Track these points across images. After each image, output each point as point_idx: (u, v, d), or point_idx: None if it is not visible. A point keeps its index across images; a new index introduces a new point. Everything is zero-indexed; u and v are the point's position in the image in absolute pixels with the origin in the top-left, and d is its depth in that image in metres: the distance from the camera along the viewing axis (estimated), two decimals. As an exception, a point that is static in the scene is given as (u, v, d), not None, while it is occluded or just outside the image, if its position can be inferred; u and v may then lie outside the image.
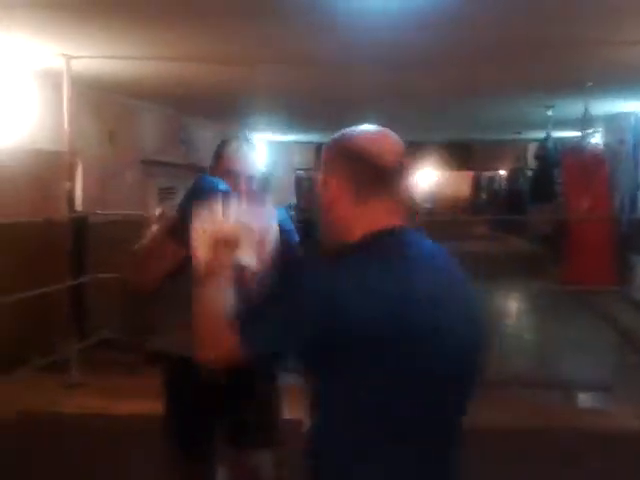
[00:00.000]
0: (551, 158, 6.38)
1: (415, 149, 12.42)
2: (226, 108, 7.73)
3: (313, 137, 12.22)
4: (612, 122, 8.30)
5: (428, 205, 17.36)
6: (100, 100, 6.02)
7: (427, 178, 17.52)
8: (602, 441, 3.60)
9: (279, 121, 9.68)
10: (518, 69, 5.25)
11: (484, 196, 17.01)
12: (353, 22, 3.61)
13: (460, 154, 12.65)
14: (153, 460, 2.65)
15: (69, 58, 4.31)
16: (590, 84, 5.43)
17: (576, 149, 6.56)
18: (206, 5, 3.29)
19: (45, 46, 4.10)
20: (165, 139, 7.33)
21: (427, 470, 1.16)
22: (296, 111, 8.39)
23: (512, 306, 8.32)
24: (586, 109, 5.74)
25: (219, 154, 2.08)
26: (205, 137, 8.65)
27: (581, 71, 5.23)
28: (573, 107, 6.53)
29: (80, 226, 4.55)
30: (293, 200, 12.86)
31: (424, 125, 9.84)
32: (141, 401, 4.23)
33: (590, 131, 5.74)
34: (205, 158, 9.25)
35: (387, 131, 1.27)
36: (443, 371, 1.14)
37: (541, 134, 7.85)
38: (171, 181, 7.30)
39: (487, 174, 15.93)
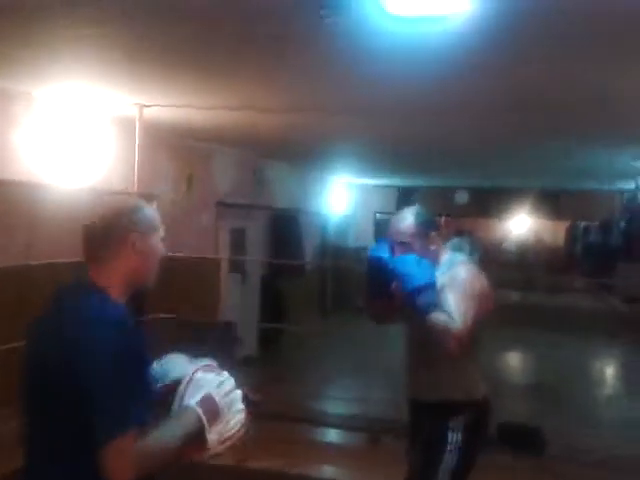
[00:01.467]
0: (640, 211, 5.95)
1: (506, 195, 12.09)
2: (302, 151, 7.85)
3: (394, 181, 12.15)
4: None
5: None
6: (178, 145, 6.28)
7: (521, 225, 17.00)
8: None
9: (358, 165, 9.72)
10: (603, 118, 5.00)
11: (579, 248, 16.14)
12: (423, 69, 3.58)
13: (550, 202, 12.18)
14: None
15: (142, 107, 4.54)
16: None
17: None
18: (268, 57, 3.37)
19: (122, 95, 4.34)
20: (240, 182, 7.51)
21: None
22: (375, 156, 8.40)
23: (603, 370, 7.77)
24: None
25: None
26: (281, 179, 8.81)
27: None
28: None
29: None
30: (372, 243, 12.77)
31: (511, 171, 9.58)
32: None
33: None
34: (280, 200, 9.49)
35: None
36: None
37: (631, 184, 7.41)
38: (243, 222, 7.46)
39: (582, 224, 15.16)
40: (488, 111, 4.83)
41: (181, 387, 1.51)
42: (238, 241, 7.26)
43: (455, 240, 13.32)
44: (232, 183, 7.28)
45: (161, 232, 1.62)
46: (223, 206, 6.99)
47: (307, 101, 4.58)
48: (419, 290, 2.35)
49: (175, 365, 1.64)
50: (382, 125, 5.71)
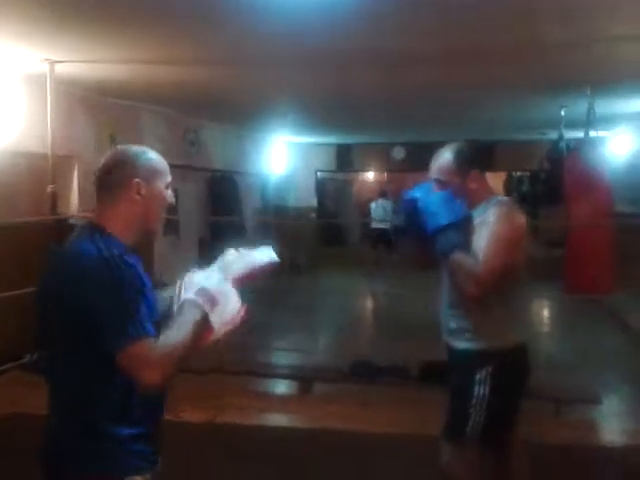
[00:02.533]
0: (563, 160, 6.13)
1: (435, 150, 12.21)
2: (237, 111, 7.74)
3: (333, 139, 12.13)
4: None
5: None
6: (100, 104, 6.09)
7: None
8: (582, 454, 3.49)
9: (297, 123, 9.64)
10: (532, 68, 5.09)
11: (514, 198, 16.65)
12: (356, 24, 3.56)
13: (486, 155, 12.41)
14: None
15: (52, 63, 4.36)
16: (589, 89, 5.22)
17: (577, 150, 6.31)
18: (180, 9, 3.28)
19: (30, 51, 4.16)
20: (171, 142, 7.37)
21: None
22: (314, 113, 8.34)
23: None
24: (589, 109, 5.50)
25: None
26: (217, 139, 8.70)
27: (589, 70, 5.04)
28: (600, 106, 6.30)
29: (63, 228, 4.59)
30: (313, 202, 12.80)
31: (444, 124, 9.68)
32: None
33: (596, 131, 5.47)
34: (216, 160, 9.36)
35: None
36: None
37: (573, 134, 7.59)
38: (175, 183, 7.34)
39: (516, 175, 15.54)
40: (418, 63, 4.84)
41: (175, 293, 1.59)
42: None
43: (379, 200, 13.48)
44: (162, 143, 7.12)
45: (167, 179, 1.64)
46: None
47: (227, 54, 4.47)
48: (442, 230, 2.23)
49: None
50: (313, 80, 5.66)
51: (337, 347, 6.07)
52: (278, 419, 4.42)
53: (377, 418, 4.17)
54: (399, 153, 12.29)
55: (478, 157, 2.45)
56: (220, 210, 8.26)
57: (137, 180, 1.57)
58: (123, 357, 1.42)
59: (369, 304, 9.97)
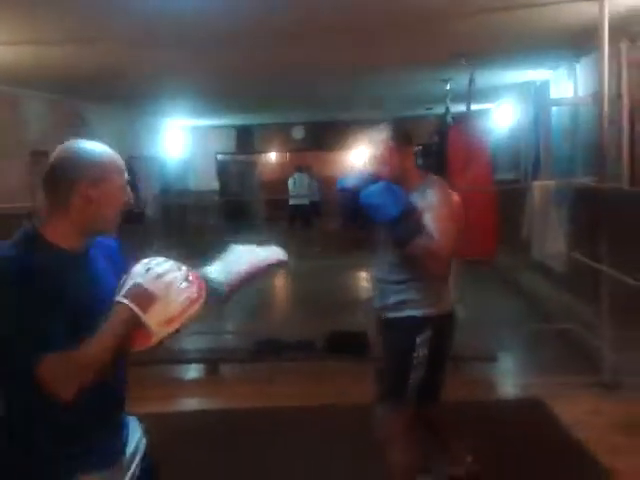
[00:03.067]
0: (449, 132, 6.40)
1: (343, 128, 12.38)
2: (127, 93, 7.46)
3: (231, 120, 11.99)
4: (519, 91, 8.45)
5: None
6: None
7: (360, 156, 17.64)
8: (478, 410, 3.70)
9: (192, 105, 9.44)
10: (412, 42, 5.22)
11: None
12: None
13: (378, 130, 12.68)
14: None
15: None
16: (464, 61, 5.44)
17: (459, 123, 6.62)
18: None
19: None
20: (57, 128, 7.00)
21: None
22: (208, 95, 8.19)
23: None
24: (471, 81, 5.76)
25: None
26: (107, 123, 8.35)
27: (467, 42, 5.23)
28: (479, 79, 6.58)
29: None
30: (215, 185, 12.63)
31: (337, 103, 9.80)
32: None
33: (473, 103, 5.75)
34: (108, 145, 9.06)
35: None
36: None
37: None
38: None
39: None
40: (302, 39, 4.86)
41: (120, 283, 1.47)
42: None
43: (296, 175, 13.49)
44: (47, 130, 6.77)
45: (121, 176, 1.50)
46: (39, 155, 6.50)
47: (111, 32, 4.30)
48: (396, 220, 2.30)
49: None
50: (203, 61, 5.56)
51: (247, 328, 6.06)
52: (186, 403, 4.38)
53: (281, 393, 4.22)
54: (298, 132, 12.35)
55: (410, 136, 2.56)
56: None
57: (85, 183, 1.44)
58: (36, 375, 1.34)
59: (280, 282, 10.03)
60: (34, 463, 1.45)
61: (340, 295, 7.45)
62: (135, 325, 1.41)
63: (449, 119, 6.85)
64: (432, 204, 2.37)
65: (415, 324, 2.46)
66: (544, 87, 7.46)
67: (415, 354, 2.44)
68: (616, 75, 4.84)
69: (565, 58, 6.23)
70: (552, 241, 4.75)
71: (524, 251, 5.29)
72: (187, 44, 4.79)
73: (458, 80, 6.70)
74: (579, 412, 3.65)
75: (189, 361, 4.95)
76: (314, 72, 6.73)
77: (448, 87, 7.02)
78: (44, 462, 1.45)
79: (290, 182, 11.60)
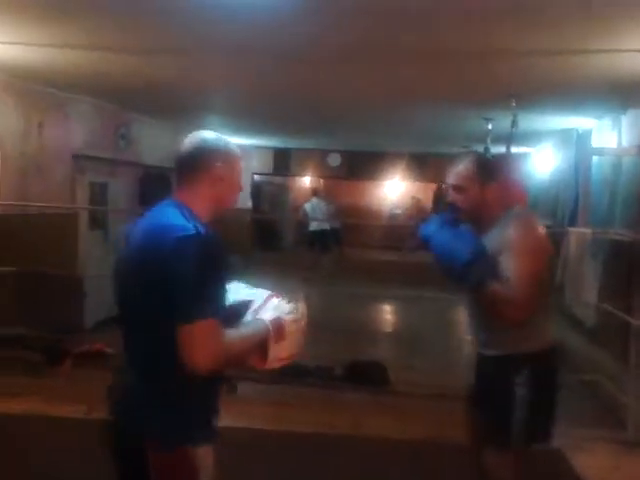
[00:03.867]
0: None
1: (381, 159, 12.45)
2: (173, 107, 7.62)
3: (270, 142, 12.13)
4: (561, 138, 8.40)
5: (398, 211, 17.62)
6: (25, 91, 5.86)
7: (396, 187, 17.74)
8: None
9: (235, 124, 9.59)
10: (457, 79, 5.24)
11: (442, 207, 17.26)
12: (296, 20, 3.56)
13: (418, 166, 12.74)
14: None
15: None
16: (514, 102, 5.44)
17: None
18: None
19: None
20: (101, 134, 7.18)
21: None
22: (252, 114, 8.32)
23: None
24: (513, 122, 5.75)
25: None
26: (151, 135, 8.52)
27: (514, 83, 5.24)
28: (522, 121, 6.57)
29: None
30: (249, 203, 12.74)
31: (379, 135, 9.87)
32: (34, 400, 4.15)
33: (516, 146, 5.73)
34: (148, 156, 9.07)
35: None
36: None
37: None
38: (105, 177, 7.15)
39: (444, 186, 16.11)
40: (350, 66, 4.91)
41: (255, 305, 1.68)
42: (99, 197, 6.96)
43: (313, 200, 13.42)
44: (92, 135, 6.93)
45: (241, 164, 1.76)
46: (81, 159, 6.67)
47: (157, 42, 4.39)
48: (465, 266, 2.19)
49: (238, 290, 1.78)
50: (250, 78, 5.65)
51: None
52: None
53: (296, 418, 4.18)
54: (335, 160, 12.42)
55: (497, 169, 2.47)
56: (151, 205, 8.08)
57: (219, 164, 1.67)
58: (185, 331, 1.46)
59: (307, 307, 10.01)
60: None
61: (359, 320, 7.41)
62: (261, 348, 1.62)
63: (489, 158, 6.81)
64: (510, 242, 2.23)
65: (510, 363, 2.34)
66: (586, 135, 7.40)
67: (516, 394, 2.32)
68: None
69: (611, 108, 6.19)
70: (585, 291, 4.66)
71: (556, 298, 5.20)
72: (238, 61, 4.88)
73: (499, 121, 6.70)
74: (599, 467, 3.56)
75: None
76: (357, 102, 6.80)
77: (490, 127, 7.00)
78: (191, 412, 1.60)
79: (308, 206, 11.52)
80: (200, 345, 1.46)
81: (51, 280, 5.31)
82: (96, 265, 6.69)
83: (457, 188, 2.36)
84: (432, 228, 2.40)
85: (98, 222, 6.94)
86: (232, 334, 1.55)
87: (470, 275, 2.21)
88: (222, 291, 1.57)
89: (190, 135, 1.74)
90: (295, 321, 1.68)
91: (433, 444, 3.71)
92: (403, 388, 4.51)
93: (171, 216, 1.59)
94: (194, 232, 1.52)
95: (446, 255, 2.27)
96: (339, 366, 4.71)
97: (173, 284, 1.48)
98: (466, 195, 2.34)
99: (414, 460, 3.56)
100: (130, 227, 1.72)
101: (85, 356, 5.06)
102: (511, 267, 2.18)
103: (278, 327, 1.63)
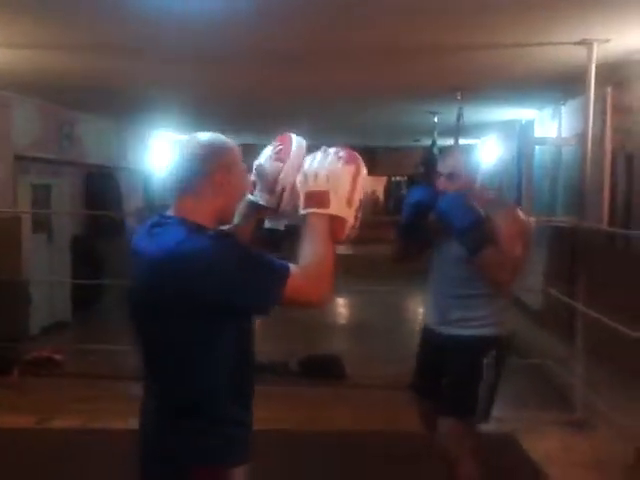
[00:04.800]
0: (435, 164, 6.49)
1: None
2: (115, 103, 7.44)
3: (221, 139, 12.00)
4: (504, 128, 8.61)
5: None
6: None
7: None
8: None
9: (184, 120, 9.44)
10: (404, 74, 5.31)
11: (392, 201, 17.65)
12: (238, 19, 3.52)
13: (368, 159, 12.83)
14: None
15: None
16: (459, 96, 5.55)
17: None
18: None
19: None
20: (44, 134, 6.96)
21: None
22: (199, 110, 8.20)
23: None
24: (459, 115, 5.87)
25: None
26: (96, 133, 8.32)
27: (458, 77, 5.34)
28: (467, 114, 6.70)
29: None
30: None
31: (330, 128, 9.90)
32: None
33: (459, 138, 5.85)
34: (94, 155, 8.87)
35: None
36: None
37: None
38: (48, 178, 6.94)
39: (395, 180, 16.31)
40: (298, 63, 4.91)
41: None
42: (42, 199, 6.75)
43: None
44: (34, 136, 6.72)
45: (243, 164, 1.61)
46: (23, 160, 6.45)
47: (97, 39, 4.29)
48: (469, 229, 2.37)
49: None
50: (194, 75, 5.57)
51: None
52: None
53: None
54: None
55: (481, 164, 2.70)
56: (98, 207, 7.90)
57: (218, 169, 1.53)
58: (285, 300, 1.46)
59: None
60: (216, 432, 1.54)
61: (318, 318, 7.43)
62: (330, 221, 1.54)
63: (436, 151, 6.95)
64: (499, 220, 2.45)
65: (480, 344, 2.52)
66: (529, 126, 7.61)
67: (484, 375, 2.51)
68: (600, 118, 4.96)
69: (552, 99, 6.38)
70: (529, 277, 4.80)
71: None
72: (184, 57, 4.81)
73: (446, 114, 6.83)
74: (549, 448, 3.67)
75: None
76: (308, 99, 6.81)
77: (436, 120, 7.13)
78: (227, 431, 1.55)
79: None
80: (307, 293, 1.49)
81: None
82: (40, 269, 6.51)
83: (450, 176, 2.54)
84: (422, 196, 2.61)
85: (42, 225, 6.74)
86: (305, 255, 1.51)
87: (473, 236, 2.39)
88: (268, 256, 1.53)
89: (183, 140, 1.59)
90: (316, 176, 1.56)
91: (391, 434, 3.77)
92: (359, 380, 4.56)
93: (187, 238, 1.46)
94: (212, 246, 1.45)
95: (451, 216, 2.42)
96: (294, 361, 4.72)
97: (231, 292, 1.44)
98: (458, 183, 2.52)
99: (372, 451, 3.61)
100: (136, 244, 1.59)
101: (33, 364, 4.92)
102: (502, 238, 2.40)
103: (311, 199, 1.55)
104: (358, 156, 1.63)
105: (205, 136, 1.57)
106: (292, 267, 1.48)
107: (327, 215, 1.53)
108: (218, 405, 1.53)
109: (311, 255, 1.51)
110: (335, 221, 1.54)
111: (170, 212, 1.56)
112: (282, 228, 1.89)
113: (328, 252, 1.52)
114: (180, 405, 1.52)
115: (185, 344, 1.49)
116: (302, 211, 1.56)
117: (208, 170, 1.52)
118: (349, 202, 1.55)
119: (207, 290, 1.43)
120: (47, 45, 4.38)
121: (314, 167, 1.58)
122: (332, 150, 1.61)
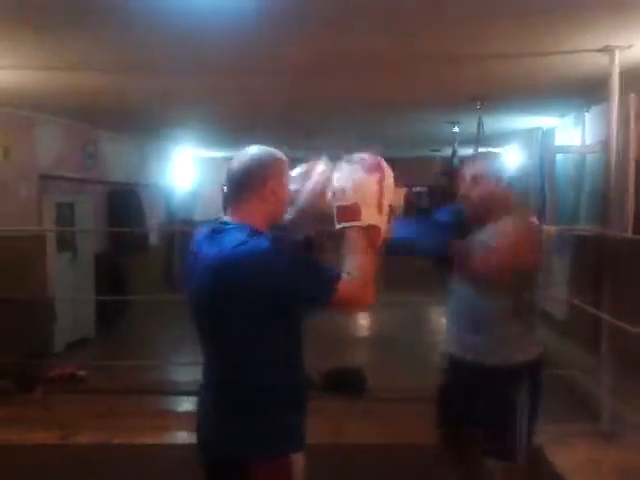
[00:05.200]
0: (457, 174, 6.45)
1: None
2: (141, 122, 7.56)
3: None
4: (526, 137, 8.54)
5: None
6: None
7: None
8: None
9: (204, 137, 9.55)
10: (423, 84, 5.30)
11: (413, 212, 17.57)
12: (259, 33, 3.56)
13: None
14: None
15: None
16: (479, 105, 5.52)
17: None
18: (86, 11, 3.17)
19: None
20: (68, 153, 7.09)
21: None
22: (220, 127, 8.30)
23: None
24: (479, 125, 5.84)
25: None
26: (119, 151, 8.45)
27: (478, 86, 5.31)
28: (488, 123, 6.66)
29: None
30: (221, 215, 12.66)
31: (355, 141, 9.90)
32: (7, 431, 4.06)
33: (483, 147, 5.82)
34: (116, 173, 9.00)
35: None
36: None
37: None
38: (72, 196, 7.05)
39: (415, 190, 16.21)
40: (318, 76, 4.93)
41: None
42: (66, 217, 6.85)
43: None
44: (58, 155, 6.84)
45: (289, 176, 1.81)
46: (47, 179, 6.57)
47: (123, 59, 4.37)
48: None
49: None
50: (217, 93, 5.65)
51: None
52: (178, 436, 4.31)
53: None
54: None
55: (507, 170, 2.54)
56: (121, 224, 8.01)
57: (271, 181, 1.70)
58: (336, 300, 1.59)
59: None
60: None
61: (339, 330, 7.40)
62: (366, 232, 1.65)
63: (456, 161, 6.92)
64: (493, 235, 2.29)
65: (508, 374, 2.32)
66: (550, 134, 7.54)
67: (517, 407, 2.32)
68: (624, 125, 4.89)
69: (574, 107, 6.31)
70: (553, 287, 4.73)
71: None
72: (204, 73, 4.86)
73: (466, 123, 6.79)
74: (576, 460, 3.60)
75: (182, 393, 4.89)
76: (327, 110, 6.83)
77: (456, 129, 7.10)
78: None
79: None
80: (355, 296, 1.61)
81: (20, 304, 5.21)
82: (65, 287, 6.60)
83: (475, 178, 2.43)
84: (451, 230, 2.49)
85: (66, 243, 6.84)
86: (348, 265, 1.63)
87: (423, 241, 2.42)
88: (319, 262, 1.68)
89: (240, 152, 1.75)
90: (342, 189, 1.68)
91: (413, 447, 3.72)
92: (381, 393, 4.52)
93: (244, 239, 1.62)
94: (273, 248, 1.60)
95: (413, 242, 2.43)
96: (316, 374, 4.70)
97: (290, 291, 1.59)
98: (481, 187, 2.41)
99: (395, 464, 3.57)
100: (197, 250, 1.74)
101: (57, 381, 4.97)
102: (495, 239, 2.25)
103: (341, 214, 1.67)
104: (381, 160, 1.72)
105: (259, 149, 1.75)
106: (340, 274, 1.62)
107: (357, 228, 1.64)
108: (277, 396, 1.65)
109: (353, 264, 1.63)
110: (370, 229, 1.65)
111: (227, 218, 1.70)
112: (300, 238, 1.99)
113: (368, 260, 1.64)
114: (241, 398, 1.64)
115: (247, 339, 1.62)
116: (338, 225, 1.66)
117: (263, 179, 1.70)
118: (379, 209, 1.66)
119: (268, 286, 1.57)
120: (71, 66, 4.48)
121: (341, 182, 1.69)
122: (355, 157, 1.71)
